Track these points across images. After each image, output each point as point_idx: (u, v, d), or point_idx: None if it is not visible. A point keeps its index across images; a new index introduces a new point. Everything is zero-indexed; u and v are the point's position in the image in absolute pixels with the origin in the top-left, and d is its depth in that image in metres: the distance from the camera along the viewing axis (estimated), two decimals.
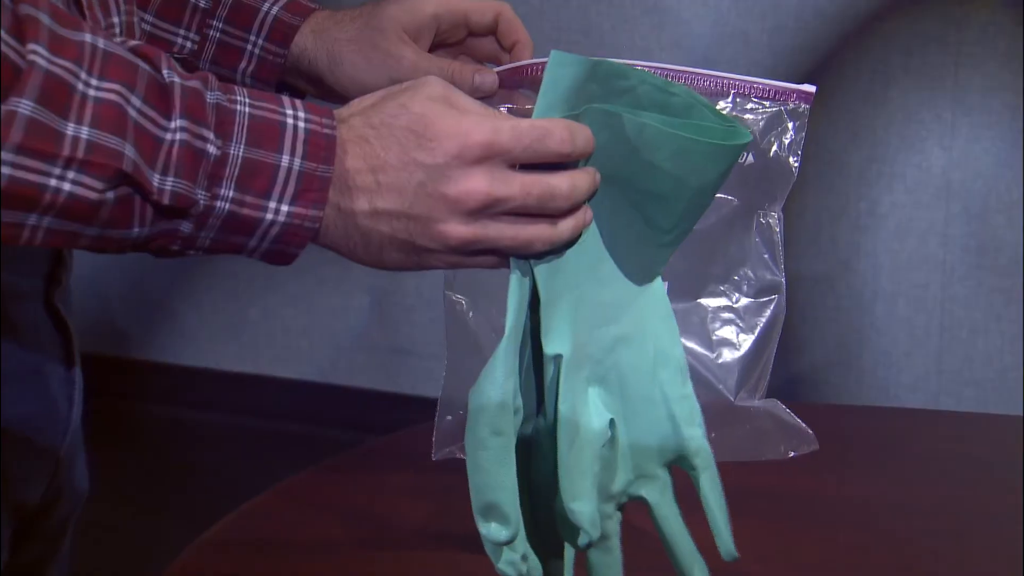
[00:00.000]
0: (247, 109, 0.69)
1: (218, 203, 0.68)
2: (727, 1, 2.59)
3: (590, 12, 2.65)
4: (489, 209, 0.70)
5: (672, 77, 0.81)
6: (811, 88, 0.82)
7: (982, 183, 2.53)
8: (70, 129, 0.65)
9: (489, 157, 0.70)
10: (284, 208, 0.69)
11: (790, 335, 2.68)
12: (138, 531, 2.49)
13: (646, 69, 0.77)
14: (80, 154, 0.65)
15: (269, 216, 0.69)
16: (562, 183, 0.71)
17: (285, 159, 0.69)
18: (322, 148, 0.70)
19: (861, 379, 2.64)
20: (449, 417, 0.88)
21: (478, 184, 0.70)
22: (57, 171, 0.65)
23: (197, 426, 3.01)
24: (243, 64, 0.94)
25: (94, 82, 0.66)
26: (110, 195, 0.66)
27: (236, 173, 0.68)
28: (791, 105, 0.83)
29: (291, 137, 0.69)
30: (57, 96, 0.65)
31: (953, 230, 2.55)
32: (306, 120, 0.70)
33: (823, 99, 2.59)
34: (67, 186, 0.65)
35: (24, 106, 0.64)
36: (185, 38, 0.94)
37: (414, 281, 2.83)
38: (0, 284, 0.84)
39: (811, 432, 0.88)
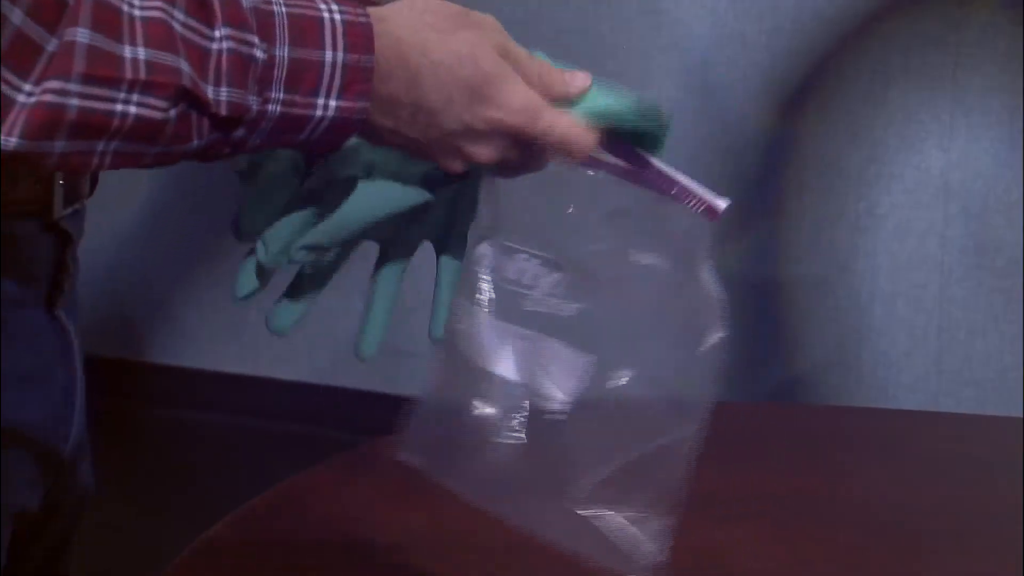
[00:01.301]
0: (283, 9, 0.70)
1: (270, 107, 0.69)
2: (725, 2, 2.59)
3: (588, 14, 2.65)
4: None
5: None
6: (722, 204, 0.81)
7: (981, 184, 2.53)
8: (127, 52, 0.65)
9: (520, 135, 0.74)
10: (332, 103, 0.70)
11: (789, 336, 2.68)
12: (138, 531, 2.49)
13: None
14: (142, 75, 0.65)
15: (319, 112, 0.70)
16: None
17: (328, 55, 0.70)
18: (360, 37, 0.70)
19: (860, 380, 2.63)
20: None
21: (490, 154, 0.74)
22: (122, 95, 0.65)
23: (197, 427, 3.01)
24: None
25: (137, 3, 0.66)
26: (172, 112, 0.66)
27: (284, 75, 0.69)
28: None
29: (330, 31, 0.70)
30: (109, 21, 0.64)
31: (952, 231, 2.55)
32: (341, 11, 0.70)
33: (821, 100, 2.59)
34: (133, 109, 0.65)
35: (81, 35, 0.64)
36: None
37: (414, 282, 2.83)
38: (1, 290, 0.84)
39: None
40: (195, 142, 0.68)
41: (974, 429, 1.27)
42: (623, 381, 0.77)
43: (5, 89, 0.62)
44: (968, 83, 2.50)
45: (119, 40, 0.65)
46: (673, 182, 0.79)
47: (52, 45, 0.63)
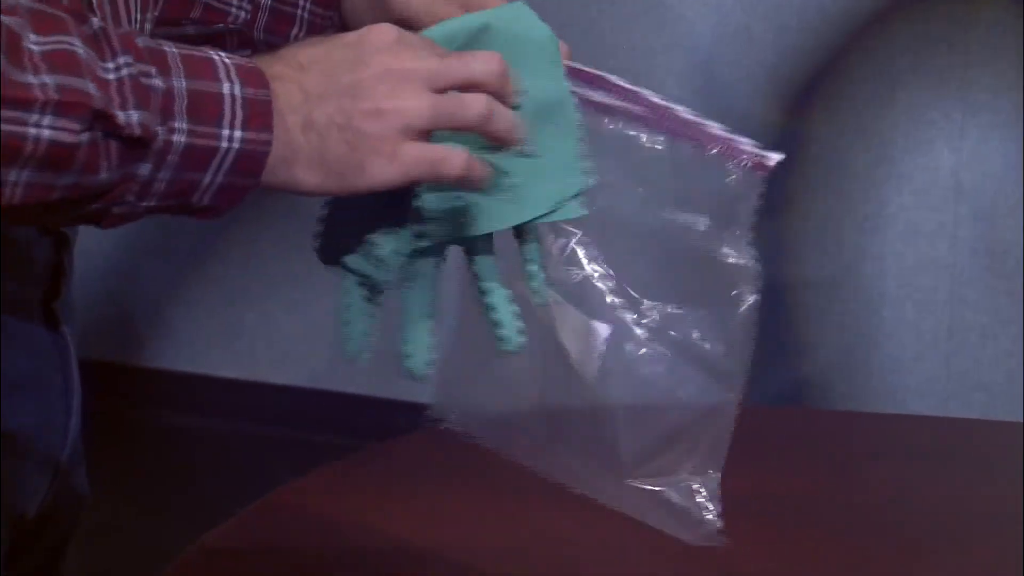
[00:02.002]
0: (174, 49, 0.70)
1: (175, 136, 0.69)
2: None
3: (590, 10, 2.66)
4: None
5: (660, 116, 0.80)
6: (774, 158, 0.80)
7: (991, 184, 2.53)
8: (32, 79, 0.65)
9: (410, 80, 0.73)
10: (237, 134, 0.70)
11: (796, 339, 2.68)
12: (132, 537, 2.50)
13: (623, 87, 0.78)
14: (53, 96, 0.65)
15: (224, 144, 0.70)
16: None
17: (226, 87, 0.70)
18: (253, 75, 0.71)
19: (868, 384, 2.64)
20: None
21: (416, 101, 0.73)
22: (34, 117, 0.65)
23: (191, 432, 3.01)
24: (295, 30, 0.93)
25: (35, 38, 0.66)
26: (85, 136, 0.66)
27: (185, 105, 0.69)
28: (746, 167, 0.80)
29: (223, 67, 0.70)
30: (13, 49, 0.65)
31: (962, 232, 2.56)
32: (229, 57, 0.71)
33: (828, 100, 2.60)
34: (46, 132, 0.65)
35: None
36: (239, 8, 0.93)
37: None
38: (1, 293, 0.84)
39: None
40: (103, 173, 0.67)
41: (984, 434, 1.28)
42: (642, 351, 0.77)
43: None
44: (978, 81, 2.51)
45: (22, 69, 0.65)
46: (713, 135, 0.77)
47: None
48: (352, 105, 0.72)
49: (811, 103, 2.61)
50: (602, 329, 0.78)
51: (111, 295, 3.13)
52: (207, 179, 0.70)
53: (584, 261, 0.78)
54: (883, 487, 1.11)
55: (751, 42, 2.60)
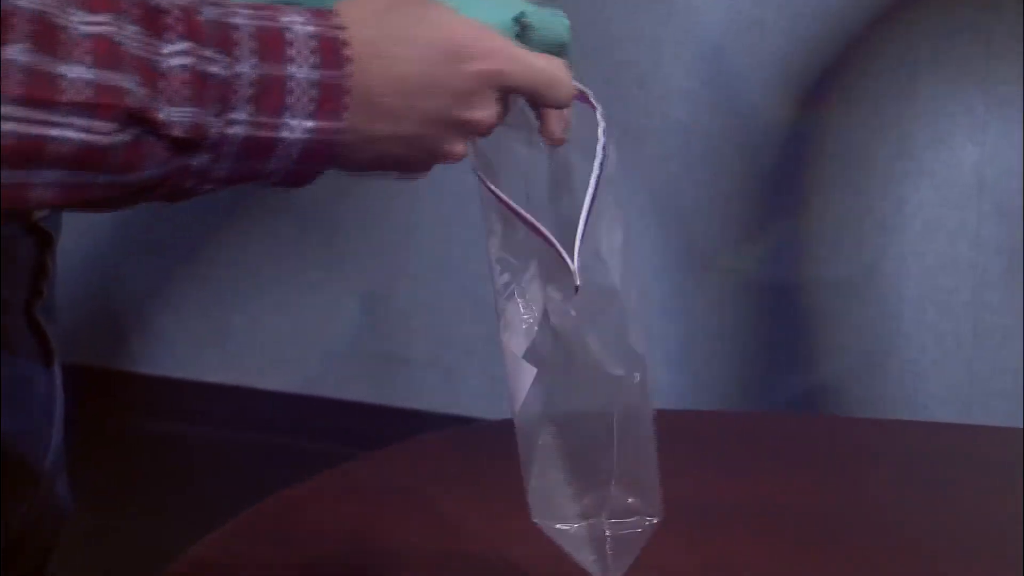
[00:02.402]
0: (246, 21, 0.67)
1: (232, 128, 0.67)
2: None
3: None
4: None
5: None
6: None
7: (1016, 180, 2.53)
8: (66, 71, 0.63)
9: (502, 85, 0.74)
10: (304, 124, 0.68)
11: (811, 343, 2.68)
12: (118, 550, 2.50)
13: None
14: (83, 96, 0.63)
15: (287, 135, 0.68)
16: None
17: (296, 70, 0.68)
18: (331, 52, 0.69)
19: (887, 390, 2.64)
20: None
21: (491, 115, 0.74)
22: (58, 118, 0.63)
23: (178, 440, 3.01)
24: None
25: (81, 17, 0.63)
26: (120, 137, 0.64)
27: (247, 93, 0.67)
28: None
29: (298, 44, 0.68)
30: (48, 36, 0.62)
31: (985, 231, 2.56)
32: (308, 23, 0.69)
33: (846, 91, 2.60)
34: (74, 134, 0.63)
35: (16, 52, 0.61)
36: None
37: (408, 284, 2.84)
38: None
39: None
40: (149, 171, 0.66)
41: (1008, 442, 1.28)
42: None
43: None
44: (1002, 73, 2.51)
45: (58, 58, 0.62)
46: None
47: None
48: (430, 111, 0.72)
49: (827, 95, 2.61)
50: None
51: (93, 296, 3.14)
52: (272, 166, 0.69)
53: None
54: (902, 497, 1.11)
55: (763, 31, 2.60)
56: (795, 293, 2.68)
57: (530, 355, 0.80)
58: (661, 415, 1.34)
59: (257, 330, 3.04)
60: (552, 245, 0.76)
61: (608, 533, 0.82)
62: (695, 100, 2.65)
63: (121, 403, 3.10)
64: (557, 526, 0.83)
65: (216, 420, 3.04)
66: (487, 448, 1.13)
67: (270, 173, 0.69)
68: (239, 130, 0.66)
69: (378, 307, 2.93)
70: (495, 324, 0.81)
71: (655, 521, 0.82)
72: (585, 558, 0.82)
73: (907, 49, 2.56)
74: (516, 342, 0.80)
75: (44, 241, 0.90)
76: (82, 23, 0.63)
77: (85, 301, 3.13)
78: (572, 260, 0.76)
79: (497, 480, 1.00)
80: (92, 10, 0.63)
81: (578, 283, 0.77)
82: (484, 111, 0.73)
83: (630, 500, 0.83)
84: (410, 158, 0.73)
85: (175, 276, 3.09)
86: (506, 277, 0.81)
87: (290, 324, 3.00)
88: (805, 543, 1.02)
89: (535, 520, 0.84)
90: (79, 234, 3.05)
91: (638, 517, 0.83)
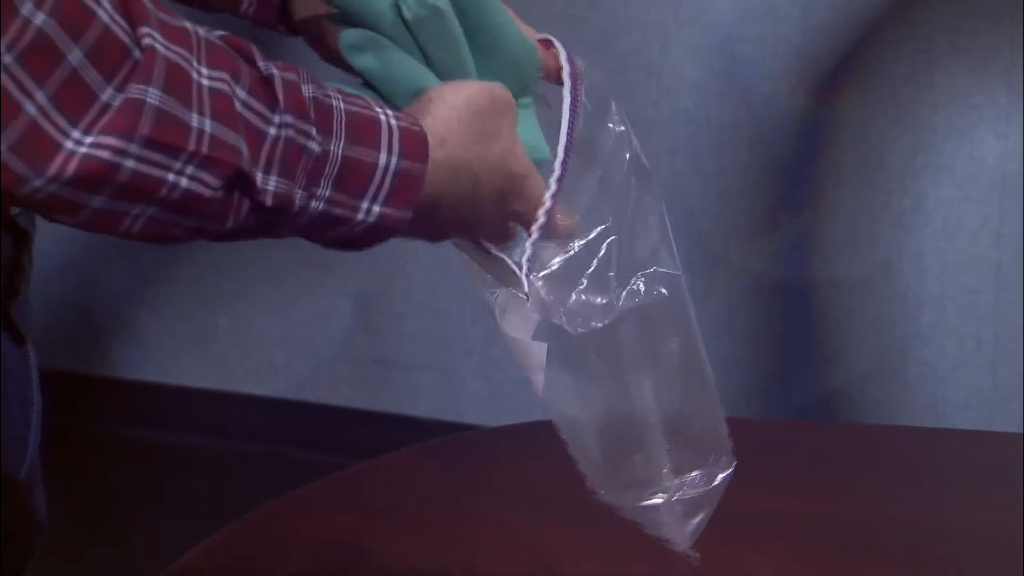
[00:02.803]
0: (342, 104, 0.74)
1: (313, 203, 0.73)
2: None
3: None
4: None
5: None
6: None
7: None
8: (195, 121, 0.67)
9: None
10: (376, 209, 0.75)
11: (824, 346, 2.68)
12: (96, 564, 2.50)
13: None
14: (204, 149, 0.67)
15: (360, 216, 0.75)
16: None
17: (383, 157, 0.74)
18: (416, 145, 0.76)
19: (904, 395, 2.64)
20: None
21: (506, 239, 0.84)
22: (178, 166, 0.67)
23: (160, 448, 3.02)
24: (244, 5, 0.96)
25: (205, 71, 0.68)
26: (220, 193, 0.69)
27: (335, 172, 0.73)
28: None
29: (387, 134, 0.75)
30: (180, 84, 0.66)
31: (1008, 228, 2.56)
32: (396, 118, 0.76)
33: (862, 83, 2.60)
34: (184, 182, 0.67)
35: (152, 95, 0.65)
36: None
37: (402, 285, 2.84)
38: None
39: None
40: (230, 224, 0.71)
41: None
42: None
43: (51, 131, 0.63)
44: None
45: (188, 107, 0.67)
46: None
47: (109, 95, 0.64)
48: (466, 228, 0.82)
49: (842, 86, 2.61)
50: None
51: (70, 297, 3.14)
52: (331, 235, 0.75)
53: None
54: (919, 509, 1.11)
55: (776, 18, 2.60)
56: (808, 293, 2.68)
57: (539, 334, 0.81)
58: None
59: (243, 332, 3.04)
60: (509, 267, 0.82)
61: (676, 497, 0.81)
62: (704, 90, 2.65)
63: (99, 410, 3.10)
64: (623, 503, 0.83)
65: (200, 428, 3.04)
66: (487, 456, 1.13)
67: (328, 240, 0.76)
68: (318, 205, 0.73)
69: (372, 308, 2.93)
70: (493, 323, 0.82)
71: (728, 470, 0.82)
72: (662, 531, 0.82)
73: (926, 37, 2.56)
74: (519, 325, 0.81)
75: (20, 238, 0.90)
76: (206, 76, 0.68)
77: (62, 303, 3.13)
78: (521, 273, 0.82)
79: (498, 491, 1.00)
80: (213, 66, 0.68)
81: (525, 293, 0.82)
82: (503, 239, 0.83)
83: (693, 451, 0.82)
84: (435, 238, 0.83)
85: (155, 276, 3.09)
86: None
87: (278, 326, 3.00)
88: (814, 556, 1.02)
89: (601, 496, 0.82)
90: (55, 234, 3.05)
91: (704, 468, 0.82)
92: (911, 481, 1.17)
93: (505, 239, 0.83)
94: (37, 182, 0.63)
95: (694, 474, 0.83)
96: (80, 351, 3.16)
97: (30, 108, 0.63)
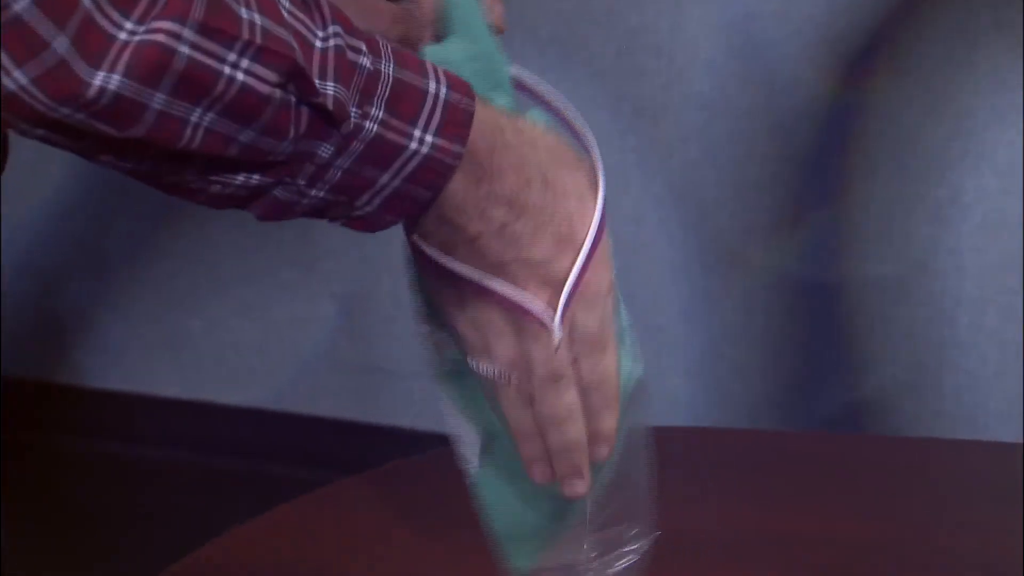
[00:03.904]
0: (381, 39, 0.78)
1: (367, 123, 0.76)
2: None
3: None
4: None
5: None
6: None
7: None
8: (244, 13, 0.70)
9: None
10: (429, 138, 0.77)
11: (853, 352, 2.69)
12: None
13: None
14: (258, 39, 0.70)
15: (413, 145, 0.77)
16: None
17: (432, 85, 0.78)
18: (461, 86, 0.79)
19: (941, 405, 2.65)
20: None
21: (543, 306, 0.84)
22: (233, 56, 0.70)
23: (126, 464, 3.02)
24: None
25: None
26: (277, 92, 0.72)
27: (387, 92, 0.76)
28: None
29: (431, 68, 0.79)
30: None
31: None
32: (439, 70, 0.80)
33: (895, 64, 2.61)
34: (240, 75, 0.70)
35: None
36: None
37: (391, 285, 2.84)
38: None
39: None
40: (286, 141, 0.73)
41: None
42: None
43: (105, 24, 0.67)
44: None
45: (236, 1, 0.70)
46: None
47: None
48: (519, 253, 0.82)
49: (872, 67, 2.62)
50: None
51: (31, 299, 3.14)
52: (384, 179, 0.78)
53: None
54: (959, 528, 1.12)
55: None
56: (834, 295, 2.69)
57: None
58: (679, 433, 1.34)
59: (217, 337, 3.05)
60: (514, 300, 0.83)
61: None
62: (720, 72, 2.66)
63: (61, 421, 3.11)
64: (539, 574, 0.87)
65: (170, 441, 3.05)
66: None
67: (379, 189, 0.78)
68: (372, 127, 0.76)
69: (358, 310, 2.93)
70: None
71: (646, 543, 0.85)
72: None
73: (965, 14, 2.56)
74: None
75: None
76: None
77: (21, 306, 3.13)
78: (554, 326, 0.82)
79: None
80: None
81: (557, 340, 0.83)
82: (539, 299, 0.83)
83: (616, 528, 0.86)
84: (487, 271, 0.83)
85: (121, 274, 3.10)
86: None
87: (256, 330, 3.00)
88: None
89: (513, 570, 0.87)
90: (14, 228, 3.06)
91: (626, 545, 0.86)
92: (948, 500, 1.17)
93: (542, 290, 0.83)
94: (97, 79, 0.67)
95: (614, 553, 0.87)
96: (39, 357, 3.17)
97: (86, 2, 0.66)
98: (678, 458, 1.24)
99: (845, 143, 2.65)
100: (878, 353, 2.68)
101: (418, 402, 2.85)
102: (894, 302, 2.66)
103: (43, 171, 3.02)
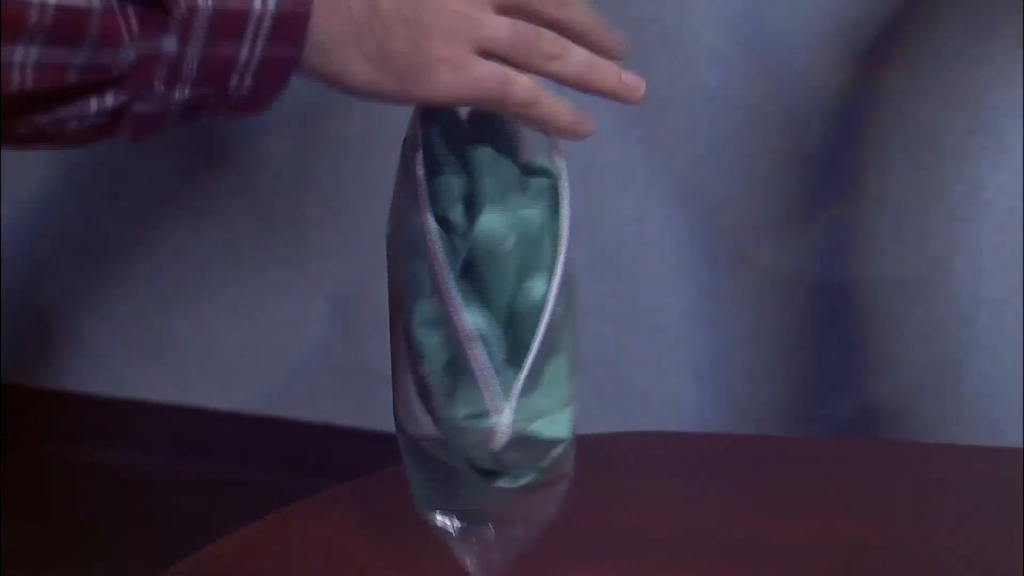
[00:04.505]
0: None
1: (200, 1, 0.73)
2: None
3: None
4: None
5: None
6: None
7: None
8: None
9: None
10: None
11: (868, 353, 2.69)
12: None
13: None
14: None
15: (258, 4, 0.75)
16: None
17: None
18: None
19: (960, 410, 2.65)
20: None
21: (506, 25, 0.82)
22: None
23: (110, 471, 3.02)
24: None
25: None
26: (96, 1, 0.70)
27: None
28: None
29: None
30: None
31: None
32: None
33: (910, 55, 2.61)
34: None
35: None
36: None
37: (384, 285, 2.84)
38: None
39: None
40: (124, 48, 0.72)
41: None
42: None
43: None
44: None
45: None
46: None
47: None
48: (425, 1, 0.79)
49: (887, 57, 2.62)
50: None
51: (8, 300, 3.14)
52: (243, 53, 0.75)
53: None
54: (977, 540, 1.12)
55: None
56: (847, 295, 2.69)
57: None
58: (686, 439, 1.35)
59: (206, 338, 3.05)
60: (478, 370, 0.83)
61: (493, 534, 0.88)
62: (729, 64, 2.66)
63: (43, 427, 3.11)
64: (440, 521, 0.90)
65: (156, 447, 3.05)
66: None
67: (244, 65, 0.76)
68: (207, 3, 0.74)
69: (352, 309, 2.93)
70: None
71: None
72: (468, 561, 0.88)
73: (983, 2, 2.57)
74: None
75: None
76: None
77: None
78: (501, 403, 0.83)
79: None
80: None
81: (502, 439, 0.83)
82: (499, 19, 0.81)
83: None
84: (400, 52, 0.80)
85: (104, 273, 3.10)
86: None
87: (246, 331, 3.01)
88: None
89: (419, 513, 0.90)
90: None
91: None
92: (966, 507, 1.18)
93: (487, 12, 0.81)
94: None
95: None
96: (19, 360, 3.17)
97: None
98: (682, 464, 1.24)
99: (859, 137, 2.65)
100: (893, 356, 2.68)
101: None
102: (910, 303, 2.66)
103: (24, 166, 3.02)
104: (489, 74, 0.81)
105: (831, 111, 2.64)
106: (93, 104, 0.73)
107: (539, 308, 0.83)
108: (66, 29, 0.70)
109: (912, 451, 1.45)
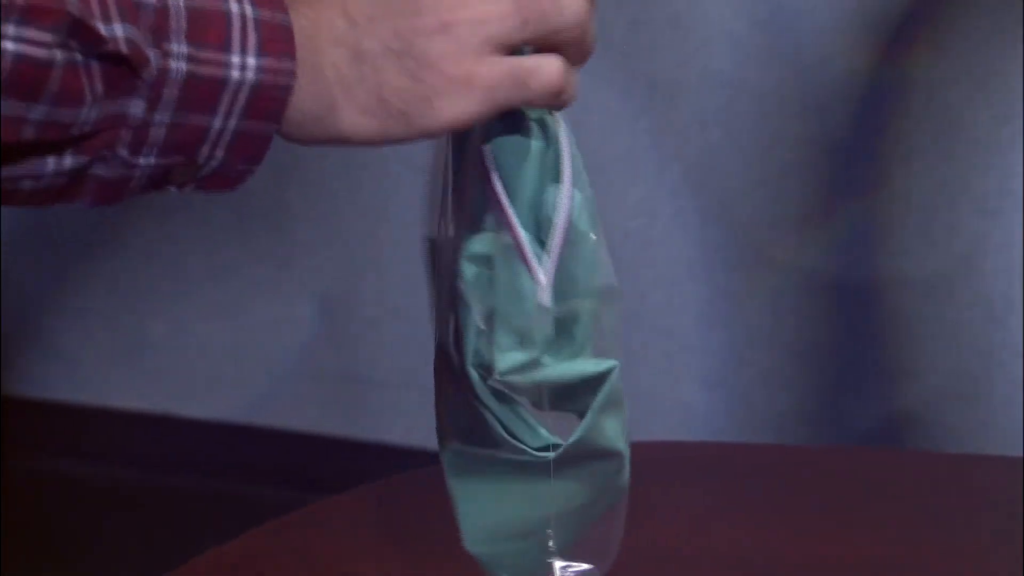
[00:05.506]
0: None
1: (173, 62, 0.72)
2: None
3: None
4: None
5: None
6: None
7: None
8: None
9: None
10: (251, 61, 0.74)
11: (893, 358, 2.69)
12: None
13: None
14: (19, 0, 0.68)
15: (235, 74, 0.74)
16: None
17: (234, 6, 0.74)
18: (269, 3, 0.76)
19: (991, 418, 2.65)
20: None
21: (503, 9, 0.78)
22: None
23: (82, 484, 3.02)
24: None
25: None
26: (59, 53, 0.69)
27: (183, 24, 0.73)
28: None
29: None
30: None
31: None
32: None
33: (936, 39, 2.61)
34: (10, 45, 0.68)
35: None
36: None
37: (376, 284, 2.84)
38: None
39: None
40: (86, 106, 0.71)
41: None
42: None
43: None
44: None
45: None
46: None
47: None
48: (411, 24, 0.77)
49: (912, 41, 2.62)
50: None
51: None
52: (217, 123, 0.74)
53: None
54: (1006, 552, 1.12)
55: None
56: (870, 295, 2.69)
57: None
58: (699, 448, 1.36)
59: (183, 342, 3.05)
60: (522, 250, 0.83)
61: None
62: (743, 47, 2.66)
63: (8, 435, 3.11)
64: (495, 559, 0.91)
65: (130, 458, 3.05)
66: None
67: (216, 136, 0.74)
68: (180, 65, 0.73)
69: (339, 312, 2.94)
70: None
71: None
72: None
73: None
74: None
75: None
76: None
77: None
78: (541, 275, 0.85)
79: None
80: None
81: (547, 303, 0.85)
82: (493, 6, 0.78)
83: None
84: (399, 89, 0.78)
85: (73, 272, 3.10)
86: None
87: (226, 334, 3.01)
88: None
89: (468, 548, 0.90)
90: None
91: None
92: (997, 519, 1.18)
93: (478, 7, 0.78)
94: None
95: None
96: None
97: None
98: (694, 475, 1.24)
99: (882, 126, 2.65)
100: (919, 360, 2.68)
101: (407, 415, 2.85)
102: (937, 304, 2.67)
103: None
104: (500, 78, 0.78)
105: (853, 97, 2.65)
106: (50, 164, 0.73)
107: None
108: (25, 81, 0.69)
109: (940, 462, 1.45)
